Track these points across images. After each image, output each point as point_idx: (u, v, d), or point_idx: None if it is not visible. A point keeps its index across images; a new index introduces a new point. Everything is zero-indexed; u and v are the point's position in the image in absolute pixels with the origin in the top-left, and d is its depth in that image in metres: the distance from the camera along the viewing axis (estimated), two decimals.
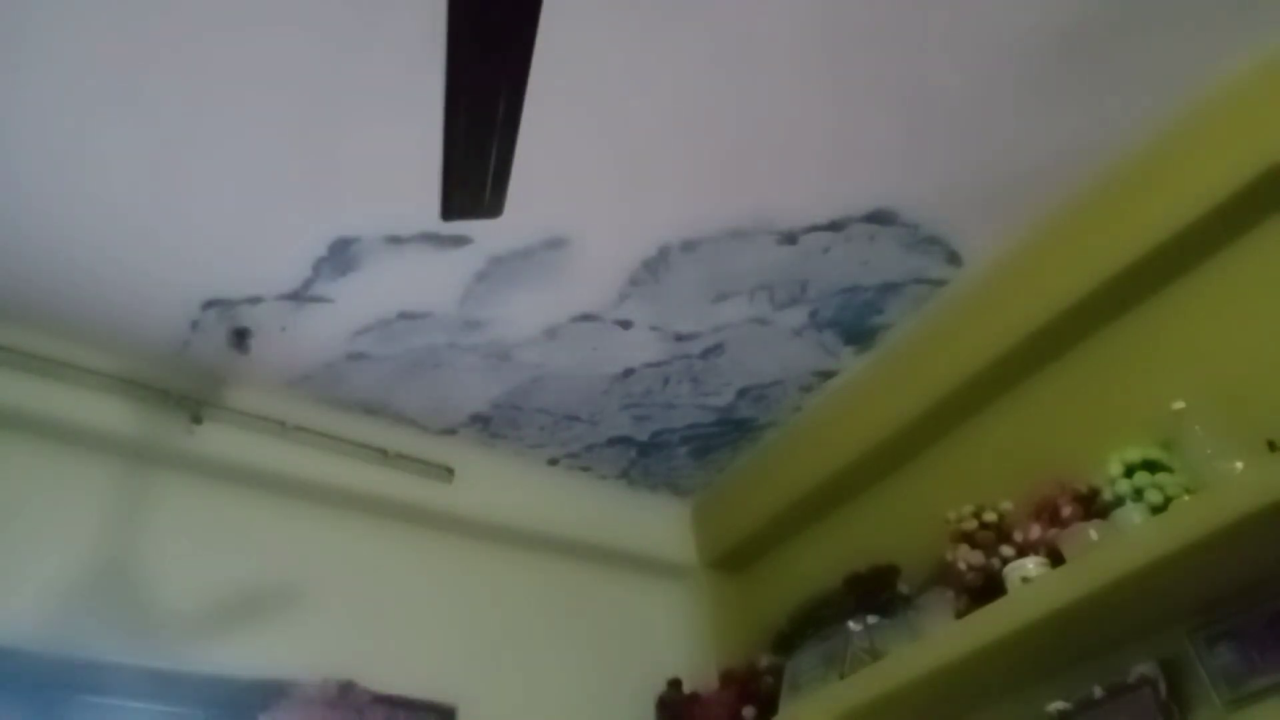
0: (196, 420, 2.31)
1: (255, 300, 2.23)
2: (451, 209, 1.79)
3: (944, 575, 2.09)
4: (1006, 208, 2.22)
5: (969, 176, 2.13)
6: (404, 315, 2.31)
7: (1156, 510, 1.75)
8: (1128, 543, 1.74)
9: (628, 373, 2.59)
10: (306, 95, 1.80)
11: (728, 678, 2.61)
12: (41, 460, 2.14)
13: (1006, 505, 2.08)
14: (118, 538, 2.16)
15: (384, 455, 2.55)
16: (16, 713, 1.94)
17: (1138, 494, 1.79)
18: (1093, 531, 1.83)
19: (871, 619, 2.25)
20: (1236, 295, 1.95)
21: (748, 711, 2.47)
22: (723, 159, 2.03)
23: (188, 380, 2.34)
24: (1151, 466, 1.81)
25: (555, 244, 2.18)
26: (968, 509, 2.10)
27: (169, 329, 2.27)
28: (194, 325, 2.27)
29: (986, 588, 1.98)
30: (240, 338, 2.29)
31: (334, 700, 2.15)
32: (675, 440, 2.84)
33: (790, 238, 2.24)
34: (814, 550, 2.79)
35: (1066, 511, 1.91)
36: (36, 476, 2.13)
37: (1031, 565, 1.92)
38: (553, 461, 2.86)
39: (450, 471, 2.65)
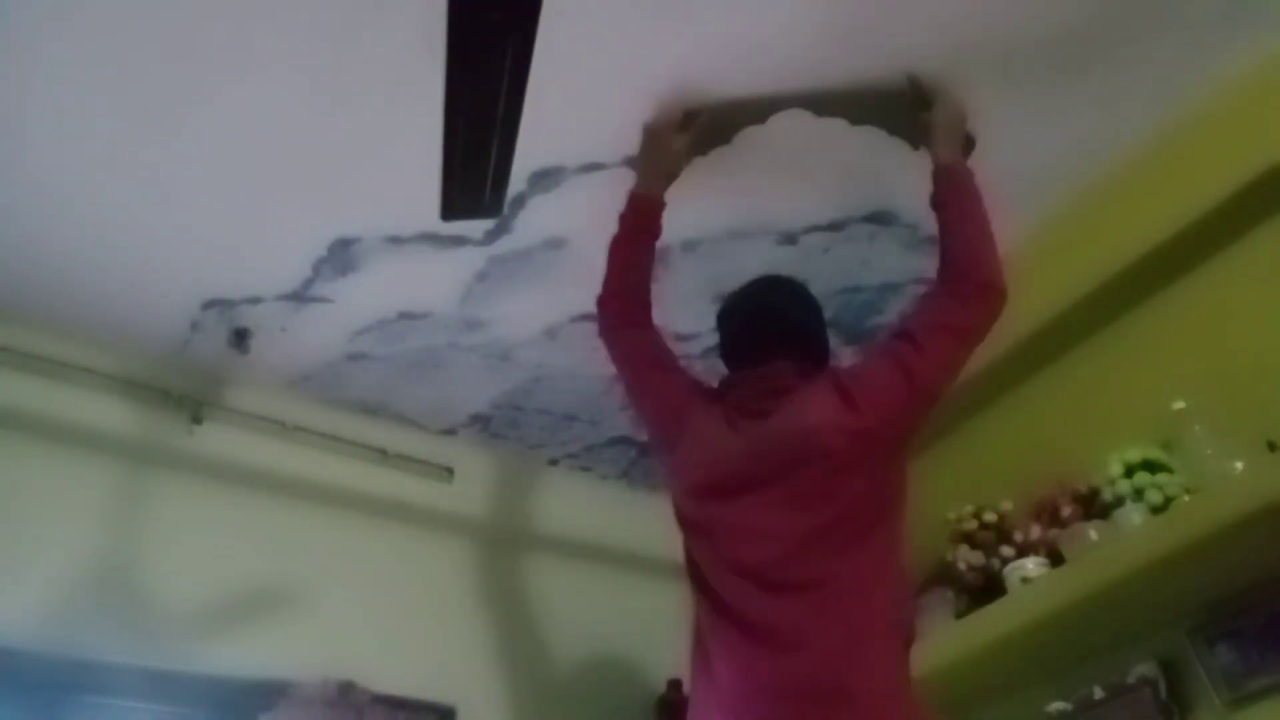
0: (196, 420, 2.31)
1: (255, 300, 2.23)
2: (451, 209, 1.80)
3: (944, 575, 2.09)
4: (1006, 207, 2.21)
5: None
6: (404, 315, 2.31)
7: (1156, 510, 1.75)
8: (1128, 543, 1.74)
9: None
10: (307, 95, 1.80)
11: None
12: (42, 460, 2.14)
13: (1006, 505, 2.08)
14: (118, 538, 2.16)
15: (384, 455, 2.55)
16: (16, 713, 1.94)
17: (1138, 494, 1.79)
18: (1093, 531, 1.83)
19: None
20: (1236, 295, 1.95)
21: None
22: (721, 157, 2.03)
23: (188, 380, 2.34)
24: (1151, 466, 1.81)
25: (555, 244, 2.18)
26: (968, 509, 2.10)
27: (169, 329, 2.27)
28: (194, 325, 2.27)
29: (986, 588, 1.99)
30: (240, 338, 2.29)
31: (334, 700, 2.15)
32: None
33: (790, 238, 2.24)
34: None
35: (1066, 511, 1.91)
36: (37, 476, 2.13)
37: (1031, 565, 1.92)
38: (553, 462, 2.86)
39: (450, 472, 2.65)
